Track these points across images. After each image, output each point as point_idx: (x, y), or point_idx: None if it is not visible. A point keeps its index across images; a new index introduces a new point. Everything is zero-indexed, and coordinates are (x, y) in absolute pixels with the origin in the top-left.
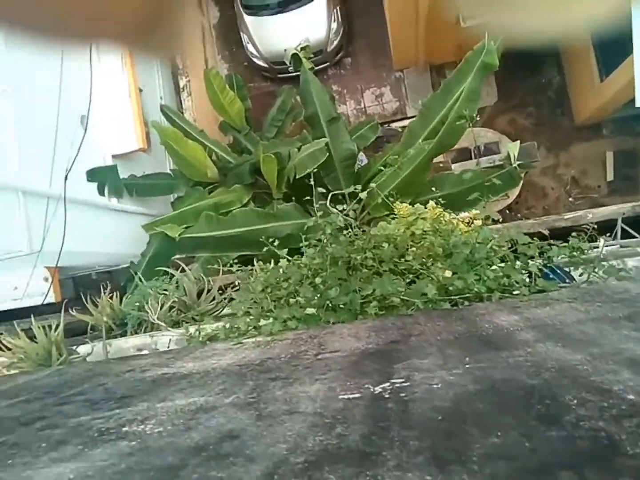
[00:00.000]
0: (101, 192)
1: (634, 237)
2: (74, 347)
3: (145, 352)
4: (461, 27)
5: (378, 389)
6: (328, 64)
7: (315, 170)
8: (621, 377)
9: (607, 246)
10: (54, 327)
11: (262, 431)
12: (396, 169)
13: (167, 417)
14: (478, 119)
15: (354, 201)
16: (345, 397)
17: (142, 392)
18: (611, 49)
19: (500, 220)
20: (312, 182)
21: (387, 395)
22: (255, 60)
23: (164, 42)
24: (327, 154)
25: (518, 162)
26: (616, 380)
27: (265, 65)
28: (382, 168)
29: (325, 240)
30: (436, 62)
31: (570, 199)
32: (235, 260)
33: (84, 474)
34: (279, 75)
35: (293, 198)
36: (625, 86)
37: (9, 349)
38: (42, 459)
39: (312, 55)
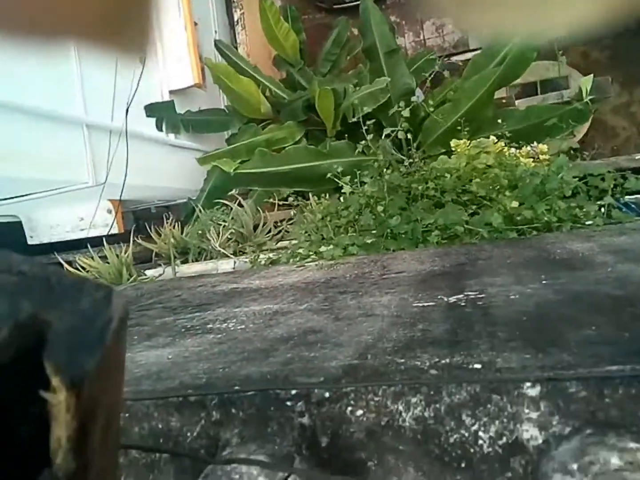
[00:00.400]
0: (159, 127)
1: None
2: (143, 271)
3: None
4: None
5: (452, 299)
6: None
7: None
8: None
9: None
10: (123, 249)
11: (342, 327)
12: (453, 104)
13: (247, 318)
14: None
15: (401, 123)
16: (420, 304)
17: (217, 301)
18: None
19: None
20: (366, 120)
21: (462, 304)
22: None
23: (134, 40)
24: (389, 94)
25: (590, 98)
26: None
27: None
28: (441, 103)
29: (381, 168)
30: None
31: None
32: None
33: (180, 355)
34: (334, 6)
35: (346, 136)
36: None
37: (84, 269)
38: (137, 347)
39: None
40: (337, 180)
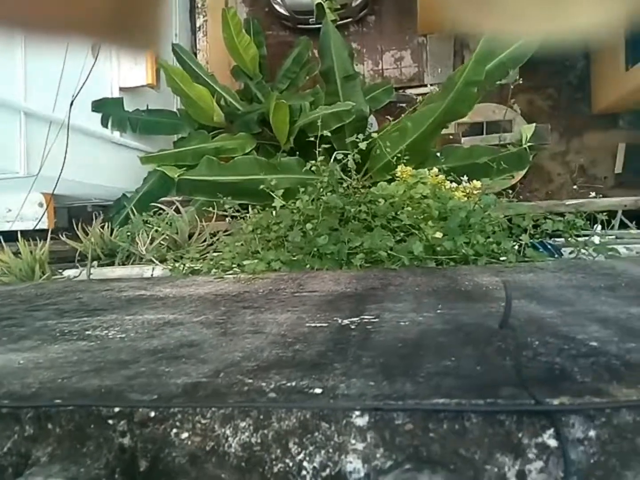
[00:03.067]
0: (105, 123)
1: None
2: (60, 271)
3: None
4: None
5: (346, 321)
6: (351, 19)
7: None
8: (588, 330)
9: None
10: (39, 246)
11: (222, 343)
12: (401, 134)
13: (132, 327)
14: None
15: (354, 151)
16: (312, 325)
17: (115, 307)
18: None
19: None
20: (321, 140)
21: (353, 327)
22: (276, 7)
23: (139, 37)
24: (353, 116)
25: (528, 145)
26: (582, 332)
27: (287, 14)
28: (392, 133)
29: (321, 188)
30: (462, 30)
31: (575, 187)
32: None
33: (34, 361)
34: (299, 26)
35: (297, 153)
36: None
37: None
38: None
39: (336, 7)
40: (271, 193)
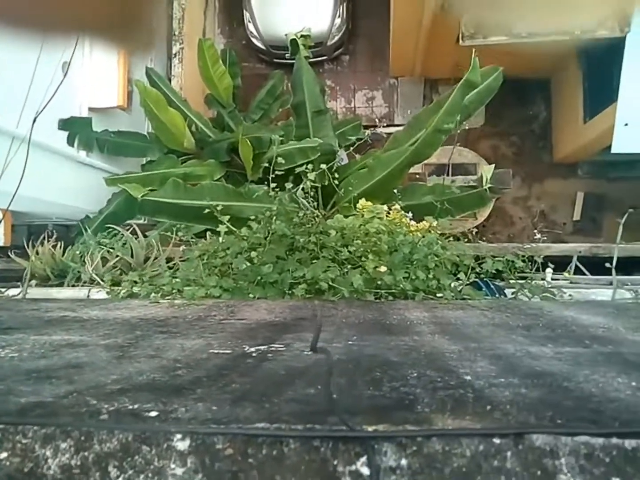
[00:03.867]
0: (71, 142)
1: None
2: (3, 289)
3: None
4: (460, 45)
5: (252, 350)
6: (326, 57)
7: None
8: (475, 365)
9: (556, 279)
10: None
11: (108, 366)
12: (369, 171)
13: (31, 347)
14: (458, 132)
15: (306, 182)
16: (215, 351)
17: (28, 327)
18: (598, 93)
19: (464, 239)
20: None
21: (254, 354)
22: (253, 40)
23: (134, 37)
24: (319, 154)
25: (489, 186)
26: (468, 366)
27: (263, 47)
28: (360, 169)
29: (272, 217)
30: (432, 75)
31: (535, 231)
32: (191, 234)
33: None
34: (275, 60)
35: (265, 183)
36: (606, 131)
37: None
38: None
39: (311, 45)
40: (217, 217)
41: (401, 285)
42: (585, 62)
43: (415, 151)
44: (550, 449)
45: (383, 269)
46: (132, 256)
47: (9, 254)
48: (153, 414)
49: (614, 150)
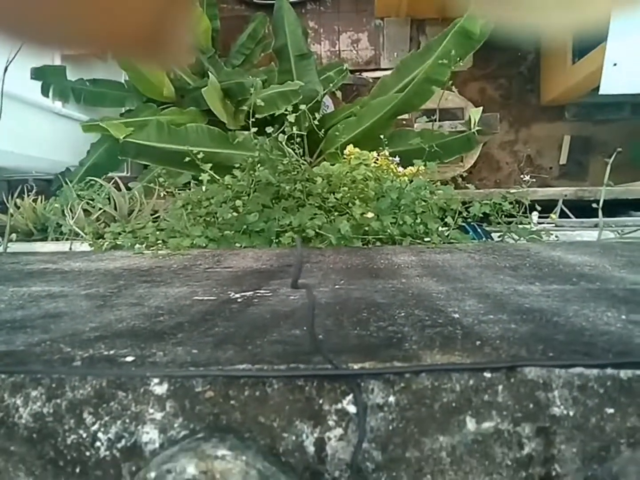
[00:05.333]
0: (45, 93)
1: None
2: None
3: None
4: None
5: (237, 296)
6: None
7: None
8: (462, 304)
9: (543, 223)
10: None
11: (87, 314)
12: (357, 119)
13: (9, 298)
14: (450, 83)
15: (287, 127)
16: (199, 298)
17: (9, 280)
18: (588, 33)
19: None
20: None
21: (239, 300)
22: None
23: (169, 55)
24: (301, 97)
25: (477, 129)
26: (456, 305)
27: None
28: (347, 117)
29: (255, 164)
30: (419, 15)
31: (521, 176)
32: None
33: None
34: (254, 1)
35: (250, 130)
36: (594, 72)
37: None
38: None
39: None
40: (198, 164)
41: (388, 231)
42: None
43: (404, 100)
44: (543, 381)
45: (370, 215)
46: (115, 209)
47: None
48: (129, 359)
49: (602, 91)
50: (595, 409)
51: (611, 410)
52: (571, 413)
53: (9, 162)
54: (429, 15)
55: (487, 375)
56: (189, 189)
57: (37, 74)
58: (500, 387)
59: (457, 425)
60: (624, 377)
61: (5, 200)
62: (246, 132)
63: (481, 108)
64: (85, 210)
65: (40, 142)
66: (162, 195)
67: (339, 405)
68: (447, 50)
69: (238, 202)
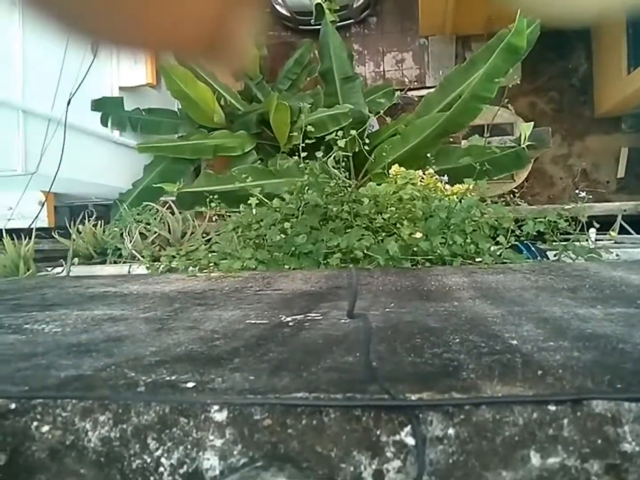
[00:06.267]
0: (104, 122)
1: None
2: (48, 268)
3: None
4: None
5: (288, 319)
6: (352, 20)
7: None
8: (520, 329)
9: (601, 240)
10: (24, 242)
11: (146, 338)
12: (402, 138)
13: (74, 322)
14: (505, 100)
15: (337, 150)
16: (252, 322)
17: (71, 303)
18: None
19: (503, 202)
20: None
21: (291, 324)
22: (278, 7)
23: (227, 59)
24: (351, 119)
25: (527, 144)
26: (513, 330)
27: (288, 14)
28: (392, 136)
29: (304, 187)
30: (464, 32)
31: (577, 191)
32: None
33: None
34: (300, 27)
35: (296, 154)
36: None
37: None
38: None
39: (337, 9)
40: (248, 196)
41: (438, 251)
42: None
43: (450, 118)
44: (611, 415)
45: (418, 235)
46: (169, 232)
47: (53, 234)
48: (190, 385)
49: None
50: None
51: None
52: None
53: (71, 189)
54: (474, 31)
55: (552, 408)
56: (239, 213)
57: (97, 105)
58: (565, 421)
59: (521, 459)
60: None
61: (68, 226)
62: (295, 158)
63: (532, 123)
64: (141, 234)
65: (99, 170)
66: (213, 217)
67: (397, 437)
68: (495, 66)
69: (286, 225)
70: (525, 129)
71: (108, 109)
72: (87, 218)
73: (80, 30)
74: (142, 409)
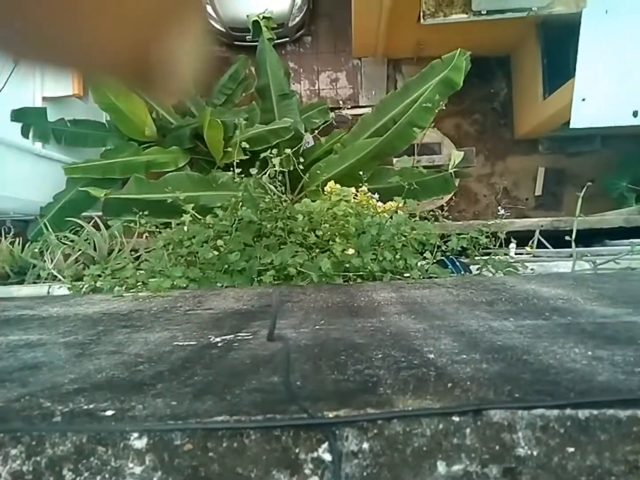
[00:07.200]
0: (25, 134)
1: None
2: None
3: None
4: (421, 24)
5: (217, 340)
6: (288, 39)
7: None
8: (438, 342)
9: (521, 254)
10: None
11: (66, 365)
12: (340, 158)
13: None
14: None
15: (272, 167)
16: (179, 344)
17: None
18: (557, 70)
19: (431, 219)
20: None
21: (220, 345)
22: (212, 22)
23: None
24: (292, 132)
25: (454, 169)
26: (432, 344)
27: (223, 30)
28: (326, 152)
29: (237, 203)
30: (394, 55)
31: (499, 208)
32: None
33: None
34: (235, 42)
35: (231, 169)
36: (564, 107)
37: None
38: None
39: (274, 27)
40: (181, 206)
41: (369, 267)
42: (543, 39)
43: (387, 142)
44: (507, 423)
45: (351, 251)
46: (94, 249)
47: None
48: (109, 413)
49: (572, 125)
50: (557, 449)
51: (572, 449)
52: (535, 453)
53: None
54: (404, 54)
55: (456, 419)
56: (169, 228)
57: (17, 115)
58: (468, 430)
59: (429, 469)
60: (582, 417)
61: None
62: (230, 173)
63: (462, 153)
64: (64, 253)
65: (19, 183)
66: (142, 234)
67: (315, 454)
68: (431, 98)
69: (220, 242)
70: (456, 155)
71: (30, 119)
72: (3, 235)
73: None
74: (58, 439)
